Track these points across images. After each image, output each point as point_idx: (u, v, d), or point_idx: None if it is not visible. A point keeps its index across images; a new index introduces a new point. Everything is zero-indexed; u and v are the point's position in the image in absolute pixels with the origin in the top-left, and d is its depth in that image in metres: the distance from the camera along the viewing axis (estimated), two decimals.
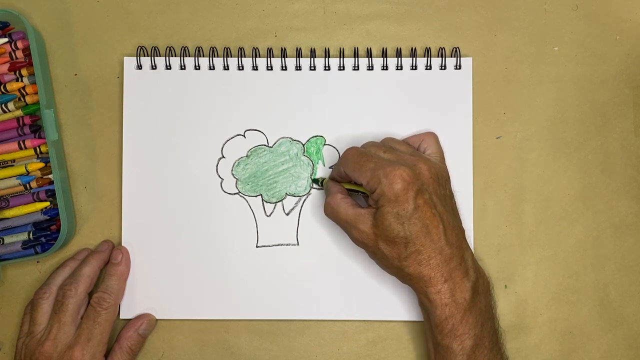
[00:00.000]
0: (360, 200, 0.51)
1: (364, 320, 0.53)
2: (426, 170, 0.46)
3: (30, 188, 0.52)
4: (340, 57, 0.54)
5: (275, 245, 0.53)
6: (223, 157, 0.54)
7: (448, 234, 0.46)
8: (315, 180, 0.53)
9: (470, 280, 0.46)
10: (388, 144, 0.50)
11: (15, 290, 0.54)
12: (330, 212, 0.49)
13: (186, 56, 0.54)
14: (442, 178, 0.48)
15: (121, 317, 0.52)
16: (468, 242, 0.48)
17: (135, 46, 0.54)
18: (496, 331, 0.48)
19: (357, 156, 0.48)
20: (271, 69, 0.54)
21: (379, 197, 0.46)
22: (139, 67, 0.54)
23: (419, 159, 0.47)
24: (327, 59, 0.54)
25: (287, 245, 0.53)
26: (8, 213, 0.52)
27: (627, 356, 0.53)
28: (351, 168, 0.48)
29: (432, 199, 0.46)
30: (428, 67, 0.54)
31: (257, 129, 0.54)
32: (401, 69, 0.54)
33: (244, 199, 0.54)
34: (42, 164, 0.52)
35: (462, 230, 0.48)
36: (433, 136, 0.51)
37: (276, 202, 0.54)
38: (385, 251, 0.46)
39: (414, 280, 0.46)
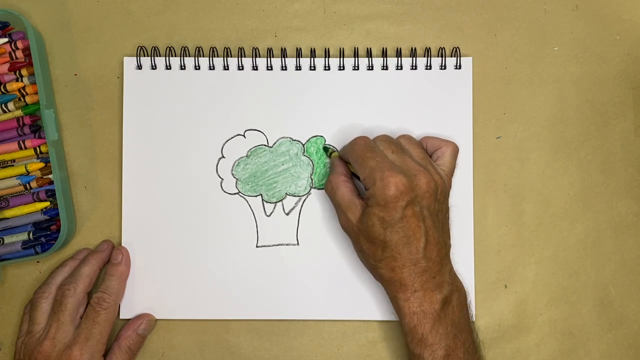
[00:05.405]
0: (361, 186, 0.51)
1: (364, 320, 0.53)
2: (424, 184, 0.46)
3: (30, 188, 0.52)
4: (340, 57, 0.54)
5: (275, 245, 0.53)
6: (223, 157, 0.54)
7: (428, 248, 0.46)
8: (325, 149, 0.53)
9: (442, 293, 0.46)
10: (400, 144, 0.49)
11: (15, 290, 0.54)
12: (330, 190, 0.50)
13: (186, 56, 0.54)
14: (440, 193, 0.47)
15: (121, 317, 0.52)
16: (451, 258, 0.49)
17: (135, 46, 0.54)
18: (473, 343, 0.48)
19: (363, 148, 0.47)
20: (271, 69, 0.54)
21: (370, 197, 0.46)
22: (139, 67, 0.54)
23: (422, 169, 0.46)
24: (327, 59, 0.54)
25: (287, 245, 0.53)
26: (8, 213, 0.52)
27: (627, 356, 0.53)
28: (354, 159, 0.48)
29: (422, 212, 0.46)
30: (428, 67, 0.54)
31: (257, 129, 0.54)
32: (401, 69, 0.54)
33: (244, 199, 0.54)
34: (42, 164, 0.52)
35: (447, 247, 0.48)
36: (451, 148, 0.50)
37: (276, 202, 0.54)
38: (364, 247, 0.47)
39: (385, 283, 0.47)
